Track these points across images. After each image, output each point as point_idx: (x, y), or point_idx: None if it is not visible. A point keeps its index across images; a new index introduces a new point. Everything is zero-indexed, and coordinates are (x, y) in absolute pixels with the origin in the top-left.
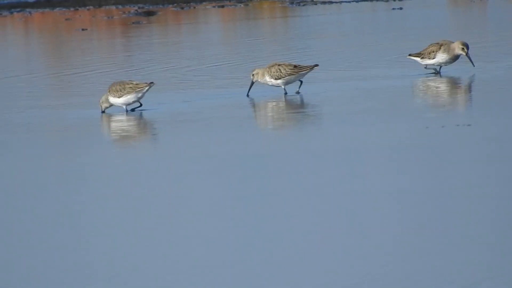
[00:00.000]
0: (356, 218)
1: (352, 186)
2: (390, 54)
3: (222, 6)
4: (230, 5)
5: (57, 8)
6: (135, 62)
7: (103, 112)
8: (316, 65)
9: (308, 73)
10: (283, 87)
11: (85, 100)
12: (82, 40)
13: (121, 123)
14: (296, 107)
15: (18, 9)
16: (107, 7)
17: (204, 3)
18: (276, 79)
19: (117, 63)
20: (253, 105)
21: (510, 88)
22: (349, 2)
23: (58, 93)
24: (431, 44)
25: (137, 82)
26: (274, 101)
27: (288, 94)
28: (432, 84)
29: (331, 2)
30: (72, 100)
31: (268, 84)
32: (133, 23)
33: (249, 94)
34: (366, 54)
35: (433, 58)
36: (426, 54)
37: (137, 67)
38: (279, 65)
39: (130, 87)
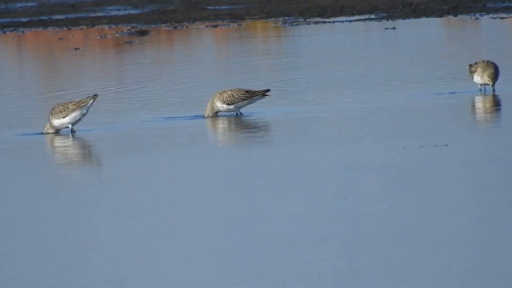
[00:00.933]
0: (357, 237)
1: (348, 207)
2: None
3: (215, 26)
4: (224, 25)
5: (50, 27)
6: (126, 82)
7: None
8: (268, 90)
9: (260, 99)
10: (236, 112)
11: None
12: (74, 59)
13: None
14: (247, 125)
15: (11, 28)
16: (100, 26)
17: (197, 22)
18: (228, 104)
19: (109, 82)
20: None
21: None
22: (341, 22)
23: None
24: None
25: (79, 99)
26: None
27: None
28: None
29: (324, 22)
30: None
31: (220, 111)
32: (125, 42)
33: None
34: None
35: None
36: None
37: (127, 87)
38: (230, 90)
39: (74, 104)
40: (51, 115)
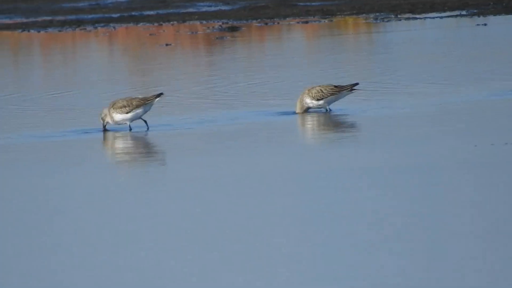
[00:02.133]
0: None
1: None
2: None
3: (306, 22)
4: (314, 21)
5: (141, 23)
6: (217, 77)
7: (104, 129)
8: (356, 84)
9: (348, 93)
10: (326, 107)
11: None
12: (166, 55)
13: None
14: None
15: (102, 24)
16: (191, 22)
17: (288, 18)
18: (317, 100)
19: (199, 77)
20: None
21: None
22: (433, 18)
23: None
24: None
25: (144, 96)
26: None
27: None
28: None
29: (415, 18)
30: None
31: (310, 107)
32: (216, 38)
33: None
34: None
35: None
36: None
37: (217, 83)
38: (319, 86)
39: (137, 101)
40: (113, 108)
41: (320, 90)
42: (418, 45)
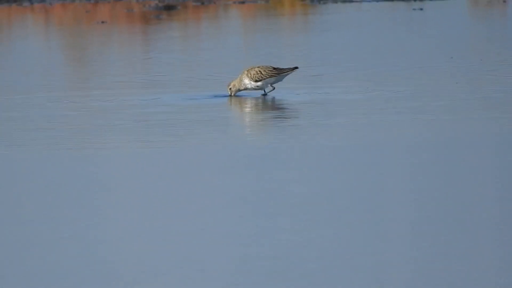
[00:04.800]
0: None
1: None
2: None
3: (243, 2)
4: (251, 1)
5: (78, 0)
6: (152, 57)
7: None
8: (296, 67)
9: (288, 75)
10: (264, 89)
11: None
12: (101, 33)
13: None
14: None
15: (39, 0)
16: (127, 0)
17: None
18: (256, 81)
19: (135, 57)
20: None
21: None
22: (369, 1)
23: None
24: None
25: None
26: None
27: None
28: None
29: (352, 1)
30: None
31: (248, 88)
32: (152, 16)
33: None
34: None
35: None
36: None
37: (154, 63)
38: (258, 67)
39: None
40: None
41: (259, 71)
42: (352, 30)
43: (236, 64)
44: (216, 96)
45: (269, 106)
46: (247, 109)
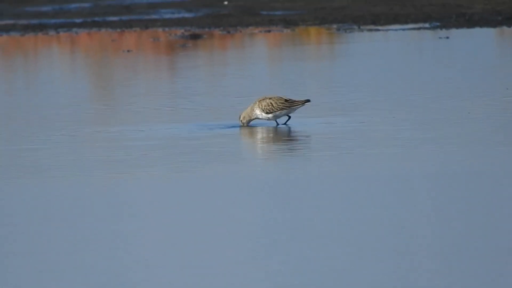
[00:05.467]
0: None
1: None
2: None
3: (269, 31)
4: (277, 30)
5: (104, 29)
6: (179, 85)
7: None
8: (308, 100)
9: (299, 108)
10: (275, 120)
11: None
12: (127, 62)
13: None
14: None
15: (65, 29)
16: (154, 29)
17: (250, 27)
18: (267, 113)
19: (162, 85)
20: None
21: None
22: (395, 30)
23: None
24: None
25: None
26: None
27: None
28: None
29: (378, 30)
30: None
31: (259, 118)
32: (179, 45)
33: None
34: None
35: None
36: None
37: (180, 91)
38: (270, 98)
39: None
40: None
41: (271, 103)
42: (378, 58)
43: (260, 93)
44: (233, 126)
45: (287, 135)
46: (268, 140)
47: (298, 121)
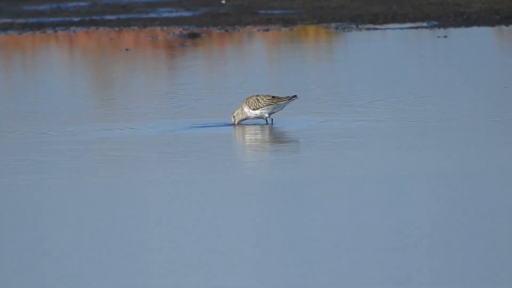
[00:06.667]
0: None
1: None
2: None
3: (267, 30)
4: (275, 29)
5: (102, 28)
6: (176, 83)
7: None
8: (295, 96)
9: (287, 104)
10: (265, 117)
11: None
12: (125, 60)
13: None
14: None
15: (63, 27)
16: (152, 28)
17: (249, 26)
18: (253, 109)
19: (160, 83)
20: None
21: None
22: (393, 29)
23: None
24: None
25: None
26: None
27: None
28: None
29: (376, 29)
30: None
31: (249, 117)
32: (177, 44)
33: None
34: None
35: None
36: None
37: (177, 90)
38: (257, 96)
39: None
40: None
41: (257, 99)
42: (376, 57)
43: (259, 92)
44: (226, 125)
45: (281, 134)
46: (260, 139)
47: (294, 119)
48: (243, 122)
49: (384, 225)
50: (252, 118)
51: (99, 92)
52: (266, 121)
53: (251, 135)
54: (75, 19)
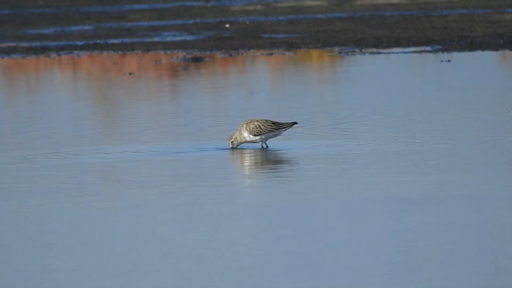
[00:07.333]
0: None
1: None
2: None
3: (271, 54)
4: (279, 53)
5: (105, 51)
6: (180, 108)
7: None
8: (295, 123)
9: (287, 130)
10: (261, 143)
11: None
12: (129, 84)
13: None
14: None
15: (67, 51)
16: (156, 51)
17: (252, 50)
18: (255, 135)
19: (163, 108)
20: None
21: None
22: (397, 53)
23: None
24: None
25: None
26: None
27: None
28: None
29: (380, 53)
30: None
31: (247, 141)
32: (180, 68)
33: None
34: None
35: None
36: None
37: (181, 114)
38: (257, 121)
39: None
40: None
41: (258, 125)
42: (380, 81)
43: (254, 116)
44: (224, 149)
45: (288, 158)
46: (259, 163)
47: (297, 143)
48: (240, 146)
49: (382, 249)
50: (248, 142)
51: (102, 116)
52: (262, 146)
53: (251, 159)
54: (79, 42)
